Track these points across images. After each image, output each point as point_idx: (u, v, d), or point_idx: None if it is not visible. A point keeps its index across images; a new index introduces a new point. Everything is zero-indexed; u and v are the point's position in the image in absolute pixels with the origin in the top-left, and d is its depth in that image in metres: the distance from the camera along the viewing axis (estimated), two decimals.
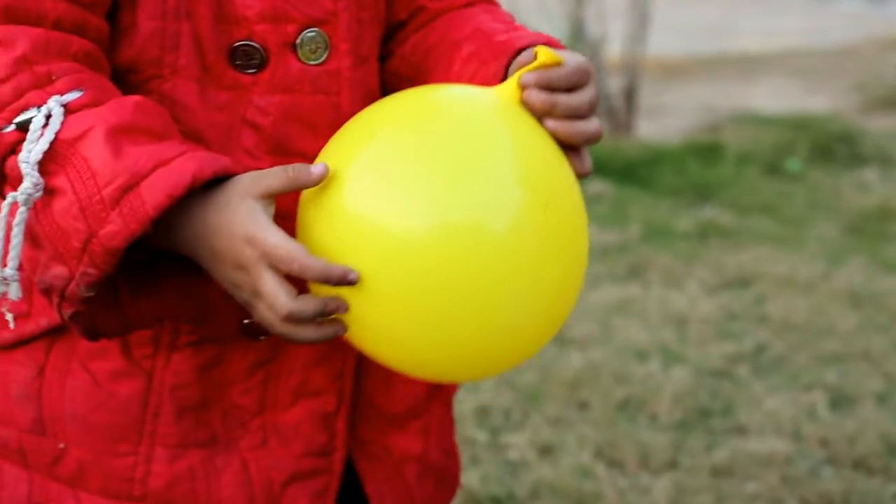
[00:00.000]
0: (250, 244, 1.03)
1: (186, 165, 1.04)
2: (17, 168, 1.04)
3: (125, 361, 1.17)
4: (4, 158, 1.06)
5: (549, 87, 1.10)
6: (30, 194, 1.04)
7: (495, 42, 1.19)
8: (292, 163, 1.07)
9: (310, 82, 1.17)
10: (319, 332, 1.05)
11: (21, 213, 1.05)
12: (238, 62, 1.15)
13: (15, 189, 1.05)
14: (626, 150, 5.04)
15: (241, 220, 1.04)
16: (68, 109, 1.05)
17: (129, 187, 1.03)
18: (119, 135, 1.05)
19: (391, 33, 1.28)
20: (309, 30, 1.16)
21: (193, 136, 1.13)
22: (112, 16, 1.13)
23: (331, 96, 1.17)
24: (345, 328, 1.05)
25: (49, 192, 1.05)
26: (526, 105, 1.09)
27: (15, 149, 1.05)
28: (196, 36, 1.14)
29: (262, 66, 1.16)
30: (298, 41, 1.16)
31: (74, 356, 1.18)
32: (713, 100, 6.51)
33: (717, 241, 4.32)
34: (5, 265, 1.07)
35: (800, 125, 5.67)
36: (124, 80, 1.14)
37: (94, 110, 1.06)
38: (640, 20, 5.62)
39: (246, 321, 1.15)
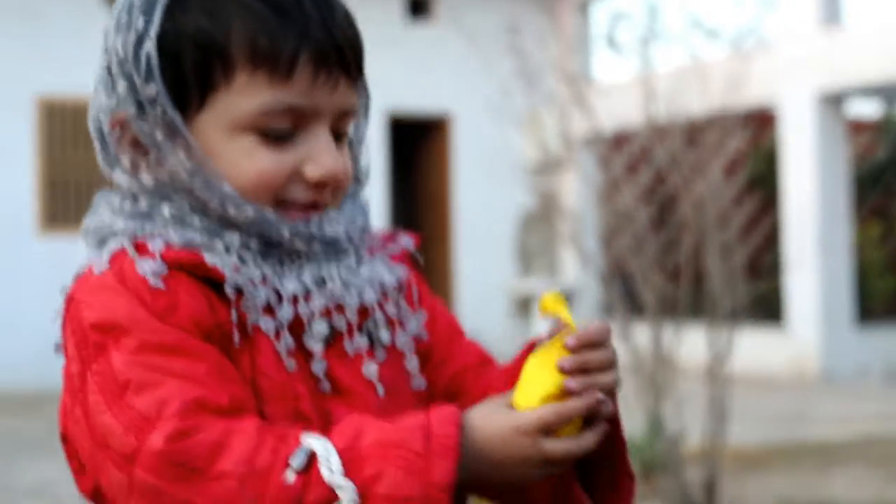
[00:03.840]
0: (521, 433, 1.23)
1: (444, 409, 1.23)
2: (321, 495, 1.17)
3: None
4: (301, 502, 1.18)
5: (584, 369, 1.27)
6: (352, 499, 1.18)
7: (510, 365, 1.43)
8: None
9: None
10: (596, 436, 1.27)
11: None
12: None
13: None
14: None
15: (503, 422, 1.23)
16: (328, 436, 1.21)
17: (428, 435, 1.20)
18: (380, 420, 1.23)
19: None
20: None
21: None
22: None
23: None
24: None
25: (363, 488, 1.18)
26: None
27: (304, 489, 1.18)
28: None
29: None
30: None
31: None
32: (792, 491, 6.53)
33: None
34: None
35: None
36: None
37: (339, 427, 1.23)
38: (719, 416, 5.75)
39: None
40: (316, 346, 1.34)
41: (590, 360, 1.28)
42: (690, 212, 6.00)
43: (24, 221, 12.28)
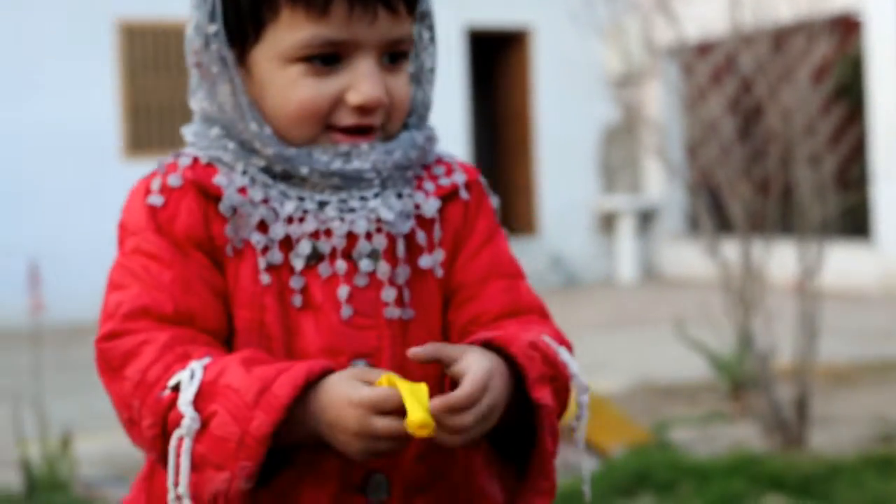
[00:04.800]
0: (353, 406, 1.35)
1: (301, 367, 1.37)
2: (178, 415, 1.37)
3: None
4: (166, 417, 1.39)
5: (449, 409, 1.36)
6: (190, 426, 1.37)
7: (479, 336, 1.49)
8: None
9: None
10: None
11: (186, 443, 1.37)
12: None
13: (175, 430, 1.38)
14: (801, 464, 4.95)
15: (343, 391, 1.36)
16: (205, 367, 1.39)
17: (264, 389, 1.36)
18: (248, 362, 1.39)
19: None
20: (356, 360, 1.49)
21: None
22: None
23: None
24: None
25: (205, 420, 1.37)
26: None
27: (171, 407, 1.38)
28: None
29: None
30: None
31: None
32: (883, 407, 6.40)
33: None
34: (177, 485, 1.39)
35: None
36: None
37: (224, 358, 1.40)
38: (809, 332, 5.61)
39: None
40: (297, 263, 1.50)
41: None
42: (777, 121, 5.82)
43: (108, 147, 12.32)
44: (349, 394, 1.36)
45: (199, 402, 1.37)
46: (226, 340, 1.49)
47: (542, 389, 1.43)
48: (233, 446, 1.35)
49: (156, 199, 1.51)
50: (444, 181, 1.60)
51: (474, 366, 1.38)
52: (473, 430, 1.38)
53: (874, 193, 12.01)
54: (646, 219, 14.78)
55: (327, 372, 1.39)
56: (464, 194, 1.61)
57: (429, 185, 1.58)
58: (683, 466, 4.93)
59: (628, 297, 13.15)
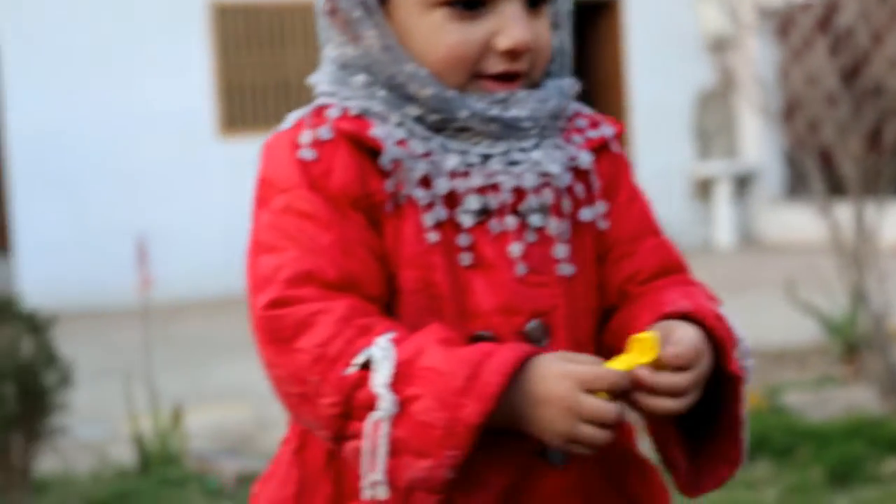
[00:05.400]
0: (565, 377, 1.30)
1: (508, 353, 1.31)
2: (368, 397, 1.30)
3: None
4: (351, 396, 1.31)
5: (652, 390, 1.34)
6: (389, 410, 1.30)
7: (657, 309, 1.43)
8: None
9: None
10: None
11: (384, 427, 1.30)
12: None
13: (363, 417, 1.30)
14: None
15: (559, 364, 1.32)
16: (395, 343, 1.32)
17: (473, 376, 1.28)
18: (448, 344, 1.32)
19: (608, 316, 1.52)
20: (535, 320, 1.43)
21: None
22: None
23: None
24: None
25: (403, 403, 1.29)
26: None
27: (358, 386, 1.31)
28: None
29: None
30: (527, 329, 1.43)
31: None
32: None
33: None
34: (373, 470, 1.31)
35: None
36: None
37: (414, 337, 1.33)
38: None
39: None
40: (466, 219, 1.42)
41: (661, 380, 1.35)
42: (885, 69, 5.68)
43: (203, 127, 12.41)
44: (565, 367, 1.32)
45: (395, 383, 1.30)
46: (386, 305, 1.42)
47: (737, 361, 1.41)
48: (439, 433, 1.29)
49: (307, 153, 1.42)
50: (593, 133, 1.54)
51: (690, 332, 1.37)
52: (689, 394, 1.35)
53: None
54: (742, 184, 14.59)
55: (530, 357, 1.34)
56: (614, 147, 1.57)
57: (577, 138, 1.52)
58: (800, 430, 4.85)
59: (728, 262, 12.99)
